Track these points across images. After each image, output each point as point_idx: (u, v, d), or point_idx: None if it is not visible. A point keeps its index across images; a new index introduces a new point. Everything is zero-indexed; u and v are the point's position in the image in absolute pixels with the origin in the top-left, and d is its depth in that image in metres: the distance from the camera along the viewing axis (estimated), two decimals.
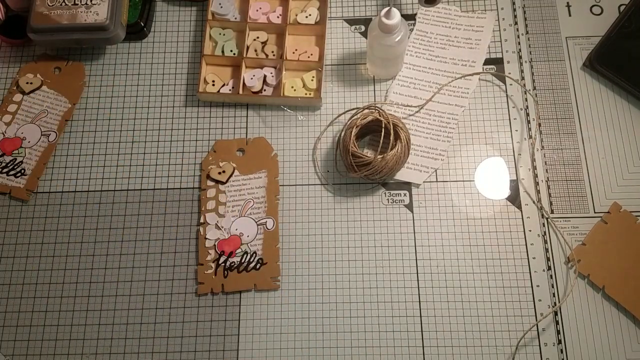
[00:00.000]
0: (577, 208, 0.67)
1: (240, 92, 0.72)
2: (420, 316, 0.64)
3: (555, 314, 0.64)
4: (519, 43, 0.75)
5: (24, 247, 0.68)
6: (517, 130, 0.71)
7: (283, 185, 0.70)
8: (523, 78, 0.73)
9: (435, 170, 0.70)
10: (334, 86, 0.74)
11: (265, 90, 0.73)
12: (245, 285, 0.65)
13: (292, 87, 0.73)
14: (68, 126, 0.73)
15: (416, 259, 0.66)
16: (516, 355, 0.62)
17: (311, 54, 0.75)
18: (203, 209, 0.68)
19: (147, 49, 0.77)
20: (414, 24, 0.76)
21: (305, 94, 0.73)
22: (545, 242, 0.66)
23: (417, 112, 0.72)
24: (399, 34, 0.65)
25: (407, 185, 0.69)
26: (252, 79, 0.72)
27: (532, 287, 0.64)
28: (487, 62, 0.74)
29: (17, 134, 0.72)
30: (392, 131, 0.65)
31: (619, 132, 0.70)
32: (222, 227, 0.67)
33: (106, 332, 0.65)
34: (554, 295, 0.64)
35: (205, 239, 0.67)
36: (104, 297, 0.66)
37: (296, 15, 0.76)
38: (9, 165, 0.71)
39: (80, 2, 0.72)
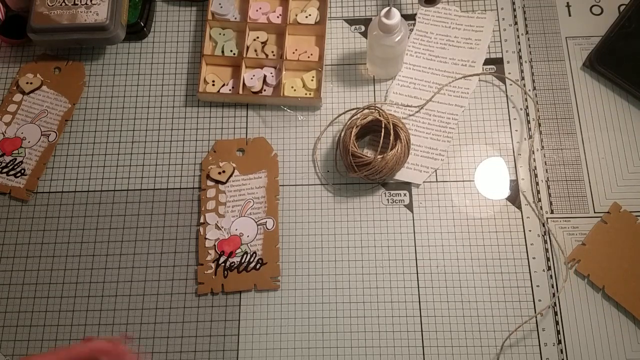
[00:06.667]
0: (577, 208, 0.67)
1: (240, 92, 0.72)
2: (420, 316, 0.64)
3: (555, 314, 0.64)
4: (519, 43, 0.75)
5: (24, 247, 0.68)
6: (517, 130, 0.71)
7: (283, 185, 0.70)
8: (523, 78, 0.73)
9: (435, 170, 0.70)
10: (334, 86, 0.74)
11: (265, 90, 0.73)
12: (245, 285, 0.65)
13: (292, 87, 0.73)
14: (68, 126, 0.73)
15: (416, 259, 0.66)
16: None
17: (311, 54, 0.75)
18: (203, 209, 0.68)
19: (147, 49, 0.77)
20: (414, 24, 0.76)
21: (305, 94, 0.73)
22: (545, 242, 0.66)
23: (417, 112, 0.72)
24: (399, 34, 0.65)
25: (407, 185, 0.69)
26: (252, 79, 0.72)
27: (532, 287, 0.64)
28: (487, 62, 0.74)
29: (17, 134, 0.72)
30: (392, 131, 0.65)
31: (619, 132, 0.70)
32: (222, 227, 0.67)
33: (106, 332, 0.65)
34: (553, 296, 0.64)
35: (205, 239, 0.67)
36: (104, 297, 0.66)
37: (296, 15, 0.76)
38: (9, 165, 0.71)
39: (80, 2, 0.72)
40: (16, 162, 0.71)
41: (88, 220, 0.69)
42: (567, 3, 0.77)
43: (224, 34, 0.76)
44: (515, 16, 0.76)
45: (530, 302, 0.64)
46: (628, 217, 0.66)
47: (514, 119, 0.72)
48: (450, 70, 0.74)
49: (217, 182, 0.69)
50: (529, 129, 0.71)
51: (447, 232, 0.67)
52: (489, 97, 0.73)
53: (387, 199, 0.69)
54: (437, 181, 0.69)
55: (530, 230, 0.67)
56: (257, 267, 0.66)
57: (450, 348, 0.63)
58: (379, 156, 0.64)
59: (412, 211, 0.68)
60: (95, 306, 0.66)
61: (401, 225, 0.68)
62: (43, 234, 0.69)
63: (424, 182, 0.69)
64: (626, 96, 0.72)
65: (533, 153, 0.70)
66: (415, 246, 0.67)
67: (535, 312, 0.63)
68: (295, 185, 0.70)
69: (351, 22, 0.77)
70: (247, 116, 0.73)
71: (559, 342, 0.62)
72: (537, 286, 0.64)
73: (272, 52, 0.75)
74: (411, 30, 0.76)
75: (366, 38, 0.76)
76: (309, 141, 0.72)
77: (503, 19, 0.76)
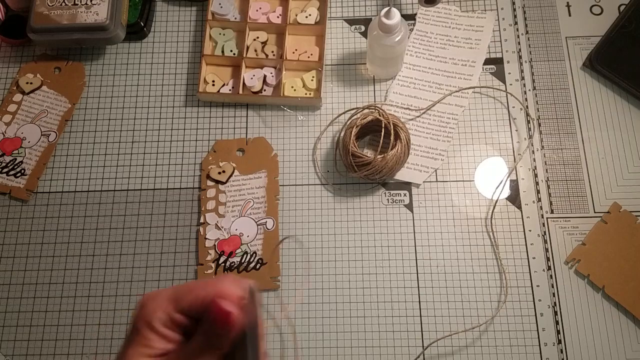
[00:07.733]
0: (577, 208, 0.67)
1: (240, 92, 0.72)
2: (420, 316, 0.64)
3: (555, 314, 0.64)
4: (519, 43, 0.75)
5: (24, 247, 0.68)
6: (517, 130, 0.71)
7: (283, 185, 0.70)
8: (523, 78, 0.73)
9: (435, 170, 0.70)
10: (334, 86, 0.74)
11: (265, 90, 0.73)
12: None
13: (292, 87, 0.73)
14: (68, 126, 0.73)
15: (416, 259, 0.66)
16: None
17: (311, 54, 0.75)
18: (203, 209, 0.68)
19: (147, 49, 0.77)
20: (414, 24, 0.76)
21: (305, 94, 0.73)
22: (545, 242, 0.66)
23: (418, 116, 0.72)
24: (399, 34, 0.65)
25: (407, 185, 0.69)
26: (252, 79, 0.72)
27: (532, 287, 0.64)
28: (487, 62, 0.74)
29: (17, 134, 0.72)
30: (392, 131, 0.65)
31: (619, 132, 0.70)
32: (222, 227, 0.67)
33: (106, 332, 0.65)
34: (553, 295, 0.64)
35: (205, 239, 0.67)
36: (104, 297, 0.66)
37: (296, 15, 0.76)
38: (9, 165, 0.71)
39: (80, 2, 0.72)
40: (16, 162, 0.71)
41: (88, 220, 0.69)
42: (567, 3, 0.77)
43: (224, 34, 0.76)
44: (515, 16, 0.76)
45: (530, 302, 0.64)
46: (628, 217, 0.66)
47: (514, 118, 0.72)
48: (450, 70, 0.73)
49: (217, 182, 0.69)
50: (529, 129, 0.71)
51: (447, 232, 0.67)
52: (489, 97, 0.73)
53: (387, 199, 0.69)
54: (437, 181, 0.69)
55: (530, 230, 0.67)
56: (257, 267, 0.66)
57: (450, 348, 0.63)
58: (379, 156, 0.64)
59: (412, 211, 0.68)
60: (95, 306, 0.66)
61: (401, 225, 0.67)
62: (43, 234, 0.69)
63: (424, 182, 0.69)
64: (626, 96, 0.72)
65: (533, 153, 0.70)
66: (415, 246, 0.67)
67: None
68: (295, 185, 0.70)
69: (351, 22, 0.77)
70: (247, 116, 0.73)
71: (559, 342, 0.62)
72: (537, 286, 0.64)
73: (272, 52, 0.75)
74: (411, 30, 0.76)
75: (366, 38, 0.76)
76: (309, 141, 0.72)
77: (503, 19, 0.76)
